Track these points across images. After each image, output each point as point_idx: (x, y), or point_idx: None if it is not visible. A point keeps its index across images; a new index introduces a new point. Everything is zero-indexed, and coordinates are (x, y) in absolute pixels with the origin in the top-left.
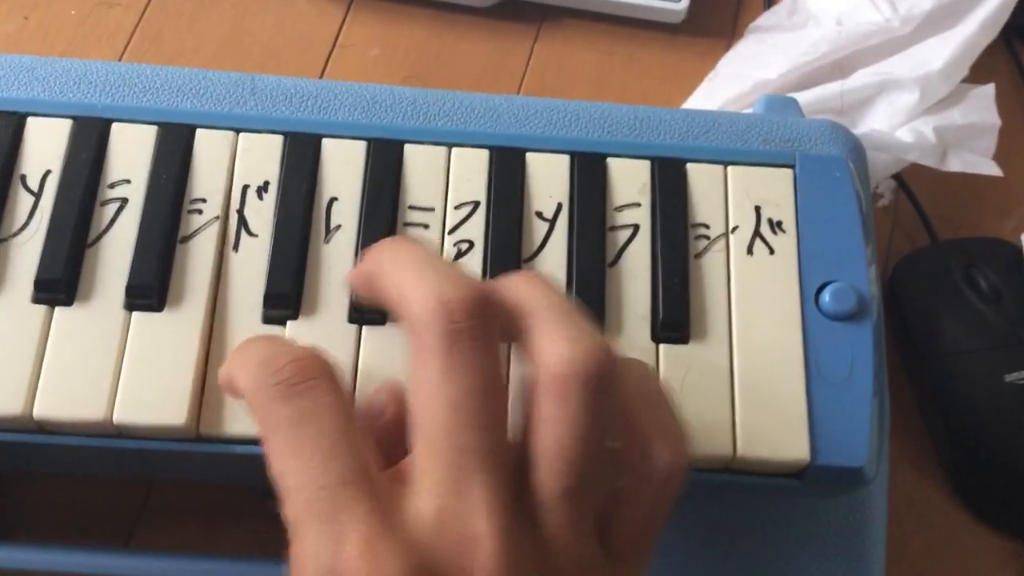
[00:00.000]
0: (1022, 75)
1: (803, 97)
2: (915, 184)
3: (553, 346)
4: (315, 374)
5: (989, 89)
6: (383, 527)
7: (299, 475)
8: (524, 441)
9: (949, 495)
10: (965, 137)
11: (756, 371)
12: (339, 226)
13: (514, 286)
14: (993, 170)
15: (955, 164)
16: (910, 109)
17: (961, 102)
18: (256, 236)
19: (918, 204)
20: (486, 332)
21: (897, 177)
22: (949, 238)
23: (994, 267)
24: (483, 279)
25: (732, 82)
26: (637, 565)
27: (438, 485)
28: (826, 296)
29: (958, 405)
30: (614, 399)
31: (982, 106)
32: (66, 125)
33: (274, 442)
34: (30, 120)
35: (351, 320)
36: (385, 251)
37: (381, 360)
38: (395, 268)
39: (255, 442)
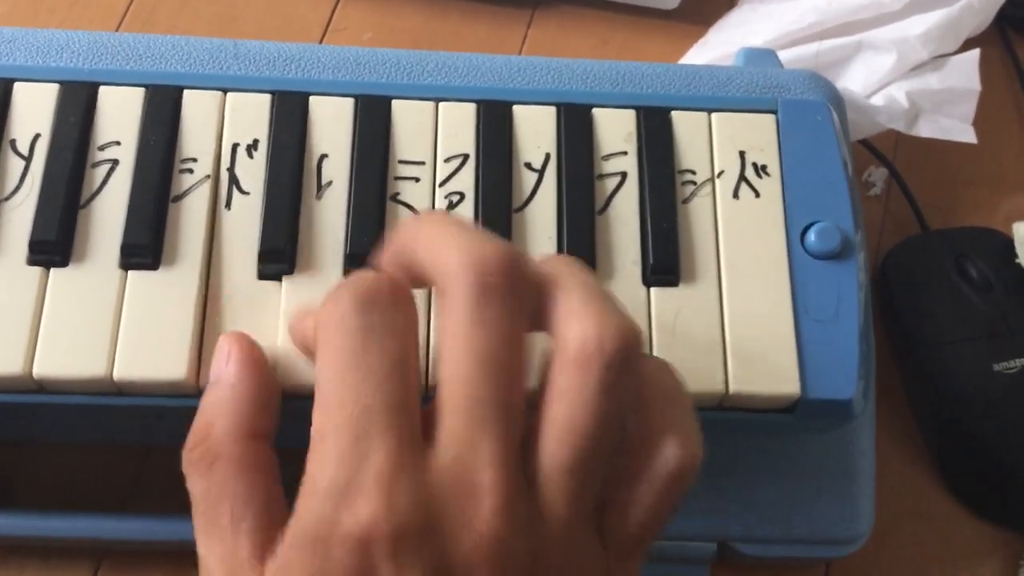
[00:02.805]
0: (1015, 65)
1: (779, 57)
2: (907, 173)
3: (580, 320)
4: (394, 290)
5: (973, 54)
6: (405, 463)
7: (347, 390)
8: (537, 410)
9: (937, 483)
10: (942, 102)
11: (745, 310)
12: (330, 182)
13: (549, 260)
14: (967, 136)
15: (926, 129)
16: (886, 72)
17: (941, 68)
18: (248, 194)
19: (909, 193)
20: (516, 292)
21: (889, 166)
22: (940, 228)
23: (985, 257)
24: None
25: (718, 47)
26: (632, 561)
27: (456, 435)
28: (811, 236)
29: (947, 394)
30: (633, 383)
31: (963, 71)
32: (53, 89)
33: (332, 350)
34: (17, 85)
35: (346, 275)
36: (421, 221)
37: None
38: (432, 232)
39: None
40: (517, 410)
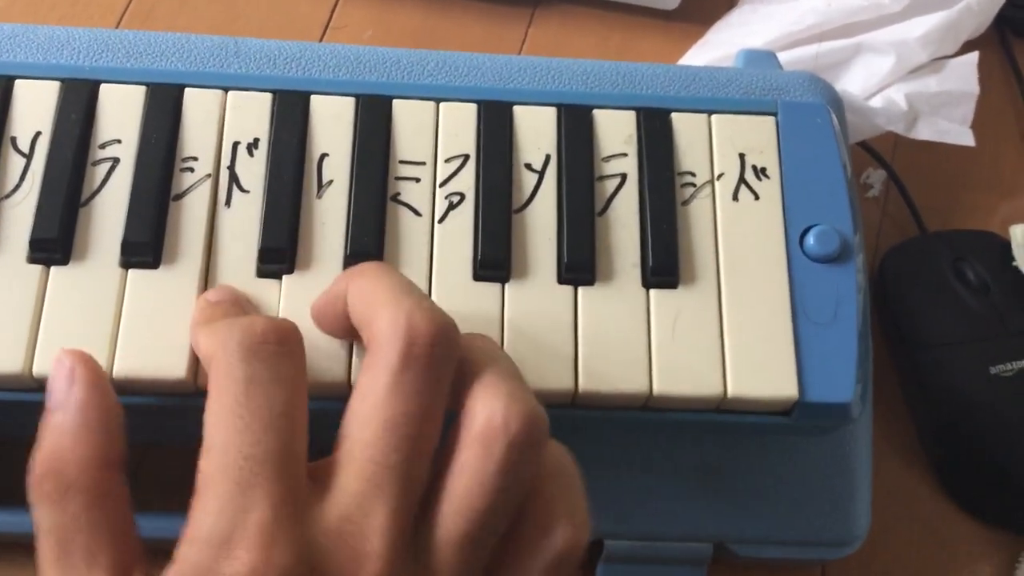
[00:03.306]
0: (1014, 67)
1: (779, 58)
2: (905, 176)
3: (489, 398)
4: (283, 340)
5: (972, 57)
6: (287, 517)
7: (230, 435)
8: (437, 480)
9: (934, 485)
10: (940, 104)
11: (744, 313)
12: (331, 181)
13: (469, 338)
14: (966, 139)
15: (925, 132)
16: (885, 74)
17: (940, 71)
18: (248, 192)
19: (908, 196)
20: (441, 367)
21: (887, 168)
22: (938, 230)
23: (983, 260)
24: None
25: (718, 48)
26: None
27: (350, 496)
28: (810, 239)
29: (943, 396)
30: (533, 465)
31: (962, 74)
32: (54, 87)
33: (219, 395)
34: (18, 83)
35: None
36: (367, 272)
37: None
38: (374, 286)
39: None
40: (417, 482)
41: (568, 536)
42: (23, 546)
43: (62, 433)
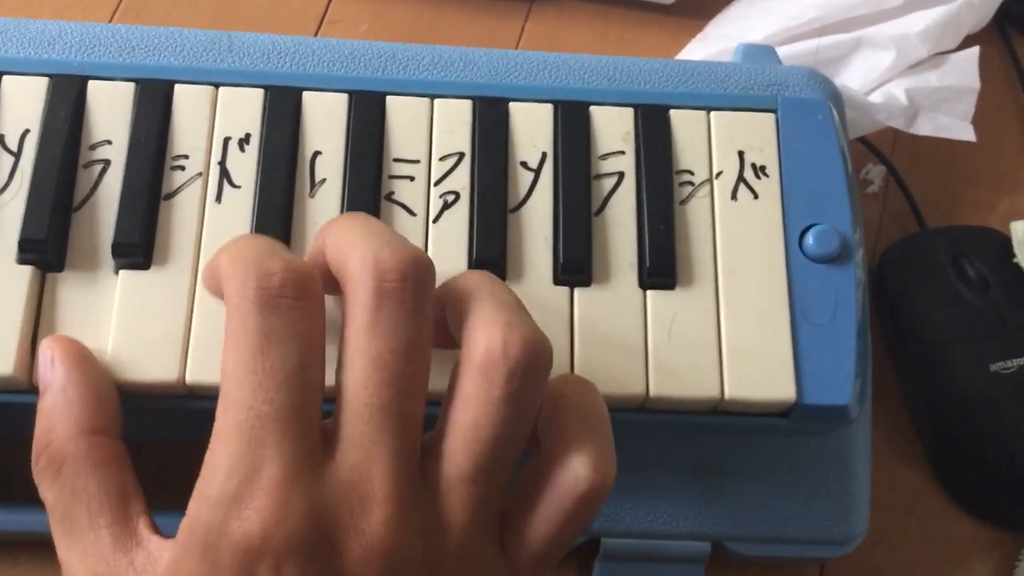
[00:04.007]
0: (1015, 63)
1: (778, 53)
2: (905, 171)
3: (488, 328)
4: (301, 293)
5: (972, 52)
6: (298, 474)
7: (243, 392)
8: (441, 416)
9: (932, 483)
10: (941, 100)
11: (742, 314)
12: (324, 180)
13: (465, 275)
14: (966, 135)
15: (925, 127)
16: (885, 69)
17: (941, 66)
18: (239, 188)
19: (908, 191)
20: (417, 297)
21: (887, 164)
22: (938, 226)
23: (983, 256)
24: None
25: (717, 41)
26: None
27: (351, 443)
28: (809, 239)
29: (942, 393)
30: (538, 394)
31: (962, 69)
32: (42, 83)
33: (234, 347)
34: (5, 79)
35: None
36: (338, 222)
37: None
38: (340, 233)
39: None
40: (415, 418)
41: (592, 477)
42: (18, 543)
43: (49, 413)
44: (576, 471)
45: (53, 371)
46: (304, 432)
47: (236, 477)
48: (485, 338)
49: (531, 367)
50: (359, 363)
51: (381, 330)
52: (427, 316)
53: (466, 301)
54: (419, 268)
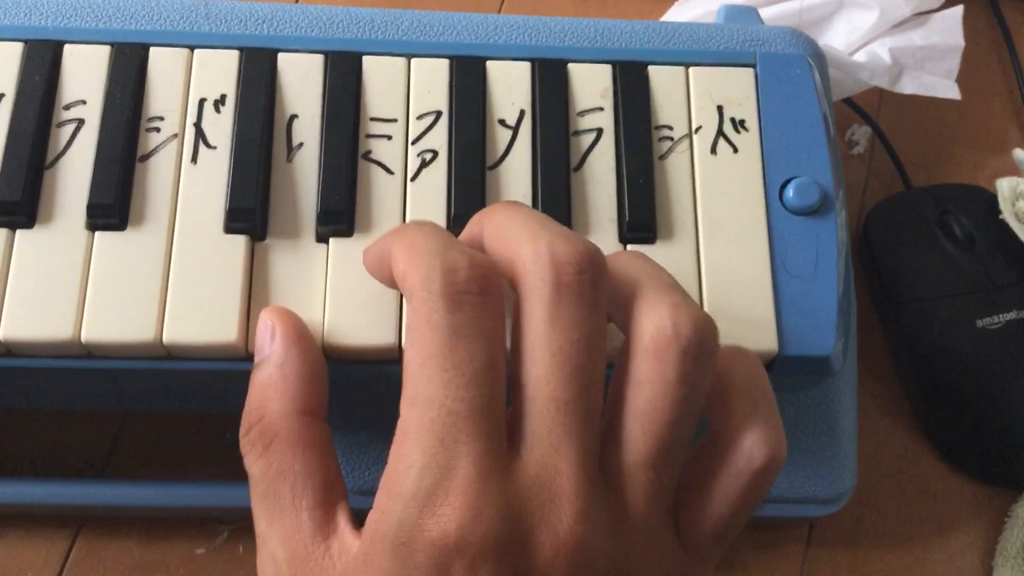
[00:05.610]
0: (1000, 20)
1: (761, 14)
2: (890, 131)
3: (655, 310)
4: (486, 288)
5: (956, 11)
6: (491, 471)
7: (433, 389)
8: (612, 403)
9: (921, 441)
10: (925, 58)
11: (723, 267)
12: (301, 144)
13: (623, 257)
14: (951, 93)
15: (909, 86)
16: (869, 28)
17: (924, 25)
18: (214, 148)
19: (893, 152)
20: (594, 290)
21: (872, 124)
22: (924, 185)
23: (969, 213)
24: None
25: (699, 5)
26: (709, 561)
27: (538, 439)
28: (790, 191)
29: (929, 351)
30: (709, 372)
31: (946, 27)
32: (17, 48)
33: (421, 343)
34: None
35: (319, 239)
36: (499, 211)
37: (348, 274)
38: (510, 225)
39: (221, 359)
40: (595, 411)
41: (766, 452)
42: (3, 515)
43: (264, 387)
44: (750, 447)
45: (272, 345)
46: (493, 429)
47: (430, 475)
48: (655, 320)
49: (703, 346)
50: (541, 358)
51: (562, 324)
52: (602, 308)
53: (629, 286)
54: (595, 261)
